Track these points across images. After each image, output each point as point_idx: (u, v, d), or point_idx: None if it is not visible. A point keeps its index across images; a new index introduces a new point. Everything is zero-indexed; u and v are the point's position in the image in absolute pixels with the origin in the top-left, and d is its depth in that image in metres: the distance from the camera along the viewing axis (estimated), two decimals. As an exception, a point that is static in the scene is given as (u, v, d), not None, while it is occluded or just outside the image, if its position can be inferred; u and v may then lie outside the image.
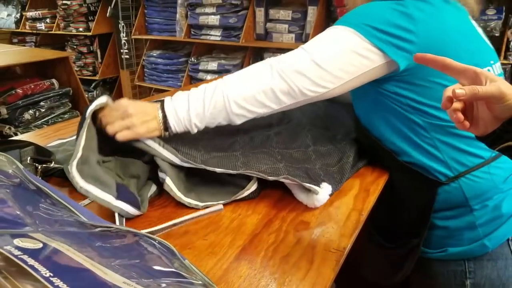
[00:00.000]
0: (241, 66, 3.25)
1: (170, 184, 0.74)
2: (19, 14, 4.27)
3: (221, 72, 3.27)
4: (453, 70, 0.56)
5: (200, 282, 0.46)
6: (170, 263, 0.49)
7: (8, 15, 4.36)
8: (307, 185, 0.75)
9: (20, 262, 0.38)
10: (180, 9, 3.37)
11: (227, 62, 3.28)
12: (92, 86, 4.01)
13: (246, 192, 0.77)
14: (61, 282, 0.38)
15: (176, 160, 0.77)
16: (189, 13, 3.31)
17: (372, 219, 0.82)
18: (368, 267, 1.10)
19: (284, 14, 3.03)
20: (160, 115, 0.77)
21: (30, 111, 2.40)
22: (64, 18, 3.90)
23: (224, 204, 0.76)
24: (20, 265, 0.38)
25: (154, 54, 3.64)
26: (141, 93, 3.93)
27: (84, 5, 3.81)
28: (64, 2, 3.80)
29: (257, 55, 3.25)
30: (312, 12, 2.89)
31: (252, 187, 0.78)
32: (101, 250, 0.48)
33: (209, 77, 3.33)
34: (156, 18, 3.56)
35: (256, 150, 0.88)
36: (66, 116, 2.49)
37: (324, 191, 0.76)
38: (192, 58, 3.43)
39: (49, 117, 2.45)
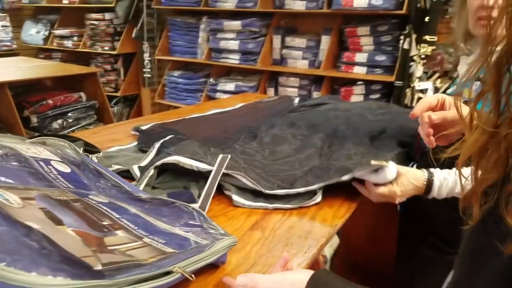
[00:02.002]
0: (257, 88, 3.42)
1: (237, 199, 0.86)
2: (48, 31, 4.55)
3: (238, 92, 3.44)
4: None
5: (223, 232, 0.58)
6: (200, 222, 0.62)
7: (37, 32, 4.64)
8: (376, 163, 0.85)
9: (98, 206, 0.51)
10: (203, 33, 3.58)
11: (244, 84, 3.46)
12: (113, 102, 4.21)
13: (312, 202, 0.87)
14: (125, 220, 0.51)
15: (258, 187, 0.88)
16: (210, 37, 3.52)
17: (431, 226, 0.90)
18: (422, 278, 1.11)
19: (299, 41, 3.22)
20: None
21: (59, 121, 2.57)
22: (91, 37, 4.15)
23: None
24: (99, 210, 0.51)
25: (175, 74, 3.84)
26: (160, 110, 4.11)
27: (111, 25, 4.06)
28: (92, 22, 4.06)
29: (273, 78, 3.42)
30: (325, 41, 3.06)
31: (318, 198, 0.88)
32: (149, 210, 0.60)
33: (225, 96, 3.51)
34: (179, 41, 3.78)
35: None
36: (91, 127, 2.66)
37: (392, 164, 0.85)
38: (211, 79, 3.62)
39: (76, 127, 2.63)
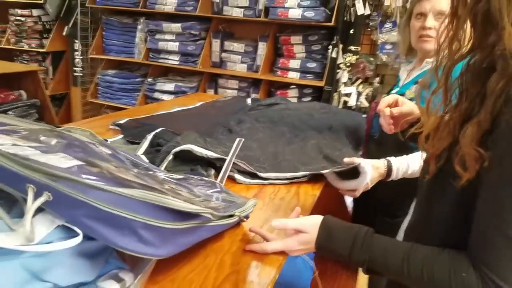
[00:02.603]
0: (197, 89, 3.56)
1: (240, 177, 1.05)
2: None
3: (177, 93, 3.55)
4: None
5: (243, 197, 0.78)
6: (224, 191, 0.81)
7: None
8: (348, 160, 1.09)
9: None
10: (140, 34, 3.63)
11: (183, 84, 3.58)
12: (41, 101, 4.03)
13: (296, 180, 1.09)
14: (194, 189, 0.68)
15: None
16: (148, 38, 3.58)
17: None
18: None
19: (238, 46, 3.44)
20: None
21: (-4, 119, 2.47)
22: (16, 33, 3.93)
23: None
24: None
25: (110, 73, 3.81)
26: (92, 109, 4.05)
27: (39, 22, 3.90)
28: (17, 18, 3.86)
29: (212, 80, 3.59)
30: (262, 47, 3.32)
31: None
32: (187, 183, 0.78)
33: (165, 97, 3.59)
34: (114, 40, 3.77)
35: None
36: (31, 125, 2.59)
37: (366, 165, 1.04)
38: (149, 79, 3.67)
39: (14, 126, 2.54)
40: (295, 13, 2.97)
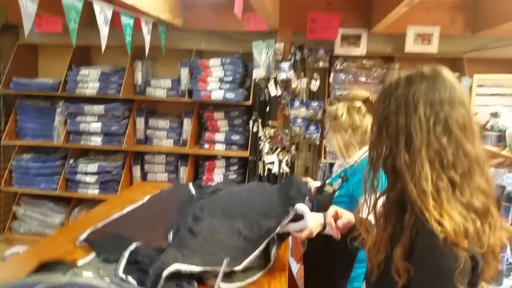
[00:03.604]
0: (122, 167, 3.62)
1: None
2: None
3: (101, 173, 3.56)
4: None
5: None
6: None
7: None
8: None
9: None
10: (59, 117, 3.61)
11: (108, 164, 3.61)
12: None
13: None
14: None
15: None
16: (69, 120, 3.58)
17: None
18: None
19: (163, 123, 3.64)
20: None
21: None
22: None
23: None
24: None
25: (25, 158, 3.67)
26: (6, 198, 3.80)
27: None
28: None
29: (137, 157, 3.69)
30: (187, 122, 3.58)
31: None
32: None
33: (88, 178, 3.57)
34: (29, 124, 3.67)
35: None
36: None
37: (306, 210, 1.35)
38: (71, 161, 3.62)
39: None
40: (217, 95, 3.31)
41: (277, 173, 3.25)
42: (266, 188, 2.10)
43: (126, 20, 2.56)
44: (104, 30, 2.25)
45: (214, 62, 3.37)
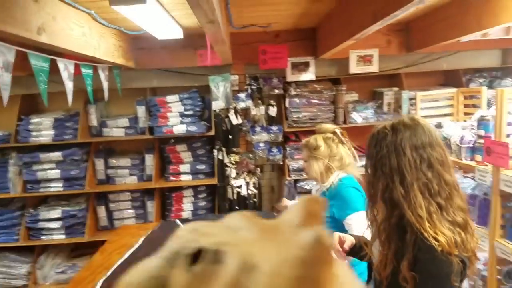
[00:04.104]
0: (87, 209, 3.55)
1: None
2: None
3: (65, 218, 3.47)
4: None
5: None
6: None
7: None
8: None
9: None
10: (13, 168, 3.45)
11: (71, 208, 3.52)
12: None
13: None
14: None
15: None
16: (24, 170, 3.44)
17: None
18: None
19: (124, 161, 3.62)
20: None
21: None
22: None
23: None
24: None
25: (-22, 214, 3.47)
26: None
27: None
28: None
29: (101, 196, 3.64)
30: (150, 158, 3.60)
31: None
32: None
33: (52, 225, 3.46)
34: (-20, 179, 3.47)
35: None
36: None
37: None
38: (30, 210, 3.48)
39: None
40: (179, 129, 3.38)
41: (246, 195, 3.39)
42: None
43: (86, 70, 2.56)
44: (69, 85, 2.26)
45: (173, 98, 3.43)
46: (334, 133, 2.05)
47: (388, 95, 3.53)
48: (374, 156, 1.23)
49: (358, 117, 3.42)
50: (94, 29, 2.40)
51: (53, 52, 2.02)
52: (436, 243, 1.09)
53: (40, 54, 1.90)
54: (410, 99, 3.46)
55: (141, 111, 3.53)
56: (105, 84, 2.89)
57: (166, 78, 3.62)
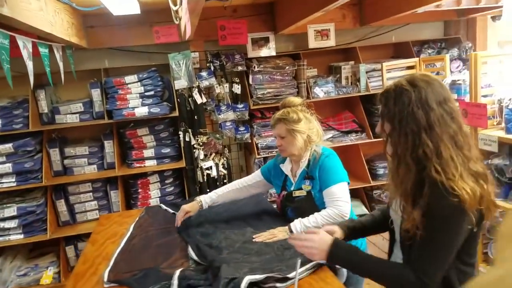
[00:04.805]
0: (45, 204, 3.31)
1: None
2: None
3: (22, 216, 3.21)
4: None
5: None
6: None
7: None
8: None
9: None
10: (-45, 165, 3.11)
11: (28, 204, 3.26)
12: None
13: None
14: None
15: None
16: (-32, 167, 3.12)
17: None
18: None
19: (81, 149, 3.41)
20: None
21: None
22: None
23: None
24: None
25: None
26: None
27: None
28: None
29: (59, 190, 3.41)
30: (109, 145, 3.42)
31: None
32: None
33: (7, 224, 3.19)
34: None
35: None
36: None
37: None
38: (-21, 211, 3.18)
39: None
40: (141, 111, 3.24)
41: (216, 176, 3.35)
42: (239, 201, 2.24)
43: (43, 50, 2.36)
44: (30, 66, 2.07)
45: (131, 78, 3.27)
46: (302, 105, 1.97)
47: (346, 68, 3.65)
48: (397, 115, 1.21)
49: (320, 92, 3.50)
50: (50, 4, 2.22)
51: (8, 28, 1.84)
52: (464, 192, 1.11)
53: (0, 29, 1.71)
54: (367, 72, 3.61)
55: (96, 94, 3.34)
56: (61, 65, 2.69)
57: (119, 58, 3.46)
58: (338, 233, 1.50)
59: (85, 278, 1.53)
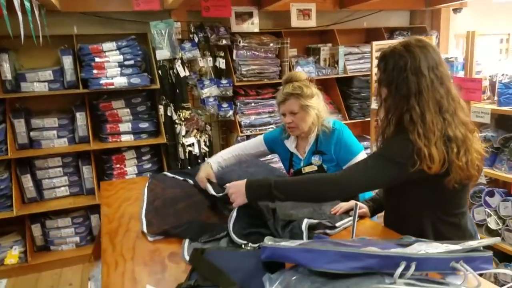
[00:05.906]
0: (10, 179, 3.03)
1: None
2: None
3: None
4: None
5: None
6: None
7: None
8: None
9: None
10: None
11: (-12, 180, 2.97)
12: None
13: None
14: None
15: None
16: None
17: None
18: None
19: (50, 121, 3.16)
20: None
21: None
22: None
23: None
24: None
25: None
26: None
27: None
28: None
29: (24, 164, 3.13)
30: (81, 117, 3.20)
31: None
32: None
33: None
34: None
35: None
36: None
37: None
38: None
39: None
40: (120, 81, 3.06)
41: (197, 154, 3.29)
42: (254, 163, 2.29)
43: (27, 5, 2.13)
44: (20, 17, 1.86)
45: (109, 46, 3.08)
46: (308, 80, 1.91)
47: (324, 50, 3.73)
48: (394, 80, 1.25)
49: (302, 72, 3.54)
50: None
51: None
52: (427, 155, 1.17)
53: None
54: (345, 54, 3.72)
55: (67, 62, 3.09)
56: (39, 28, 2.44)
57: (89, 25, 3.23)
58: (365, 208, 1.58)
59: (120, 235, 1.44)
